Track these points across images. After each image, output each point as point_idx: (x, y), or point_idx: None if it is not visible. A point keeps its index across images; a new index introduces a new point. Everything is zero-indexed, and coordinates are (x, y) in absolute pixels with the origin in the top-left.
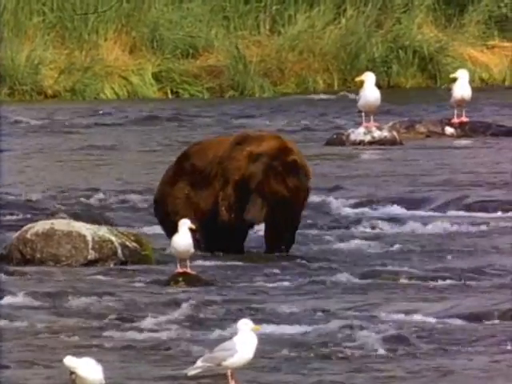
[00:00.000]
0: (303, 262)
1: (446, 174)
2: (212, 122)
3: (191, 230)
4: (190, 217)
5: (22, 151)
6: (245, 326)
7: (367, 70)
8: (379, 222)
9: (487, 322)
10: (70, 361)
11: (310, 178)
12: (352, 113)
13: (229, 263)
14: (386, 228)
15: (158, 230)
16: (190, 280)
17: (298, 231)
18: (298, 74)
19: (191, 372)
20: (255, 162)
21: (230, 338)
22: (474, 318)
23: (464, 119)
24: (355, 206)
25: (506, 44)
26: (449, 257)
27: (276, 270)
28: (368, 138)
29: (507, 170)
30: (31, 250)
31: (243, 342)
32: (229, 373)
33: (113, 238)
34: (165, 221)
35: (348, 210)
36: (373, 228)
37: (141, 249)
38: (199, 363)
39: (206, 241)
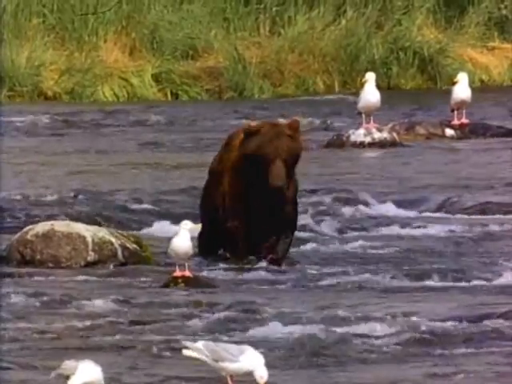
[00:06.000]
0: (304, 263)
1: (445, 176)
2: (211, 124)
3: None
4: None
5: (21, 153)
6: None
7: (367, 71)
8: (379, 223)
9: (492, 323)
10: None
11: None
12: (352, 114)
13: (229, 265)
14: (386, 229)
15: (157, 231)
16: (190, 282)
17: (298, 233)
18: (297, 75)
19: (188, 352)
20: None
21: (240, 342)
22: (478, 319)
23: (464, 121)
24: (354, 207)
25: (506, 45)
26: (448, 258)
27: (277, 272)
28: (368, 139)
29: (507, 172)
30: (31, 251)
31: (251, 357)
32: (228, 376)
33: (113, 240)
34: None
35: (348, 212)
36: (373, 229)
37: (141, 250)
38: (200, 346)
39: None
